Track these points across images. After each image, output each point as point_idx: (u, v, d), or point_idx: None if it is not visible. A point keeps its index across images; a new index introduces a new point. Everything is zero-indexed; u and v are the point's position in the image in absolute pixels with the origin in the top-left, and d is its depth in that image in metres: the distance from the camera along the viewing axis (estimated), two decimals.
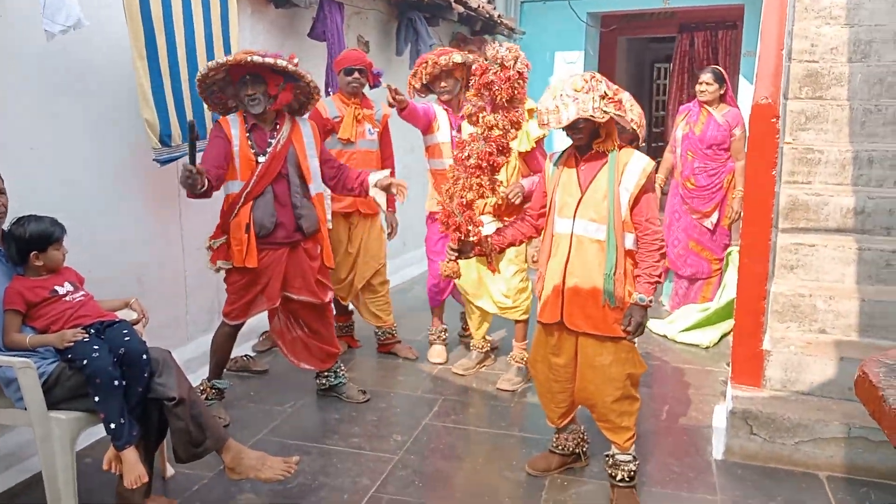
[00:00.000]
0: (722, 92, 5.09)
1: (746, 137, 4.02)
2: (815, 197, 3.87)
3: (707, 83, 5.06)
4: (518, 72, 2.78)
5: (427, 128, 4.22)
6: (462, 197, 2.89)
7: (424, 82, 4.13)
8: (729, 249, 5.26)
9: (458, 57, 4.03)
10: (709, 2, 8.32)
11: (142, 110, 3.48)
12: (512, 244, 3.13)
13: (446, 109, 4.26)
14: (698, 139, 5.10)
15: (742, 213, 4.20)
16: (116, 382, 2.55)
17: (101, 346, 2.58)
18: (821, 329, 3.56)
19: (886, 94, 4.32)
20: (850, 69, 4.40)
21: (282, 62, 3.27)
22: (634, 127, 2.69)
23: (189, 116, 3.70)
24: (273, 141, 3.44)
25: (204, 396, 3.58)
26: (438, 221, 3.03)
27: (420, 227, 4.72)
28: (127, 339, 2.66)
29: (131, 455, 2.59)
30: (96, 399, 2.53)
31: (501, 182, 3.28)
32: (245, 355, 4.35)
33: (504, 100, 2.79)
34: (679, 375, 4.36)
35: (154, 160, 3.58)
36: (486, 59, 2.80)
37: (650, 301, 2.79)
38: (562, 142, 7.79)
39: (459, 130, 4.25)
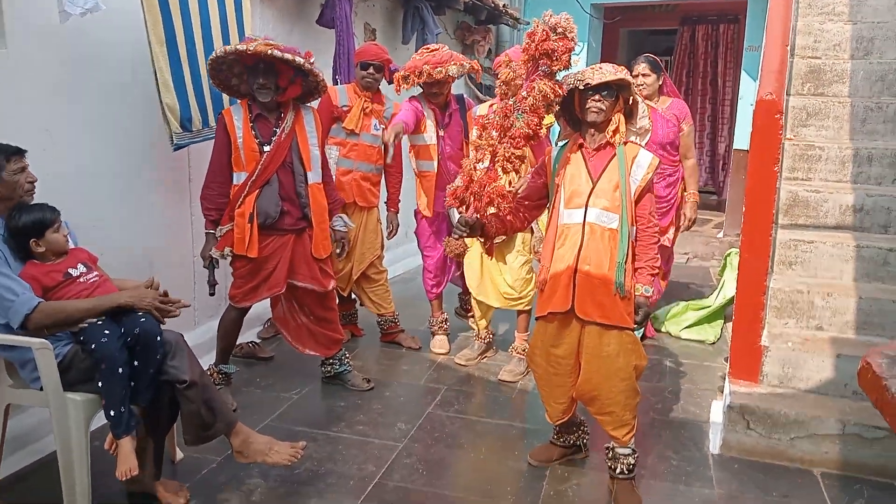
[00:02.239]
0: (660, 83, 4.50)
1: (695, 131, 4.16)
2: (815, 194, 3.92)
3: (644, 74, 4.37)
4: (575, 44, 2.76)
5: (416, 128, 4.20)
6: (502, 167, 2.81)
7: (413, 86, 4.12)
8: (728, 251, 5.32)
9: (454, 70, 4.03)
10: None
11: (162, 95, 3.52)
12: (504, 234, 3.14)
13: (432, 108, 4.26)
14: (650, 140, 4.28)
15: (695, 220, 4.64)
16: (121, 370, 2.58)
17: (112, 330, 2.62)
18: (818, 326, 3.62)
19: (887, 91, 4.36)
20: (851, 66, 4.45)
21: (300, 60, 3.30)
22: (646, 124, 2.73)
23: (207, 101, 3.74)
24: (278, 130, 3.47)
25: (212, 381, 3.63)
26: (452, 195, 2.93)
27: None
28: (142, 319, 2.70)
29: (127, 445, 2.63)
30: (99, 384, 2.59)
31: (526, 158, 3.21)
32: (251, 342, 4.40)
33: (559, 70, 2.76)
34: (677, 370, 4.43)
35: (175, 145, 3.63)
36: (545, 25, 2.73)
37: (653, 292, 2.86)
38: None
39: (446, 129, 4.27)
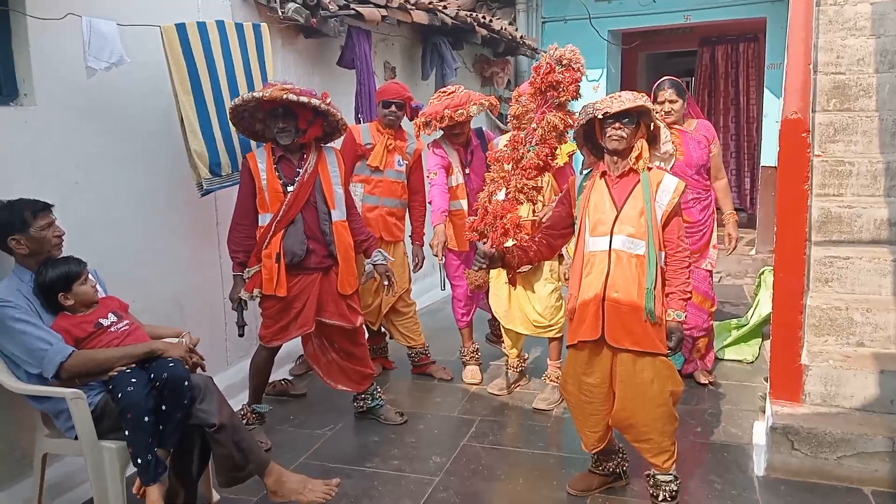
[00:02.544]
0: (686, 106, 4.32)
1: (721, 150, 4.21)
2: (848, 209, 3.86)
3: (671, 101, 4.14)
4: (582, 74, 2.80)
5: (447, 173, 4.30)
6: (515, 199, 2.84)
7: (436, 129, 4.19)
8: (761, 269, 5.23)
9: (474, 109, 4.09)
10: (730, 15, 8.31)
11: (190, 142, 3.60)
12: (529, 263, 3.14)
13: (456, 149, 4.34)
14: (684, 164, 4.15)
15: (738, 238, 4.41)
16: (147, 418, 2.60)
17: (139, 378, 2.65)
18: (859, 342, 3.53)
19: None
20: (877, 80, 4.39)
21: (315, 101, 3.35)
22: (670, 149, 2.72)
23: (236, 145, 3.82)
24: (301, 170, 3.52)
25: (245, 421, 3.64)
26: (470, 229, 2.97)
27: None
28: (171, 364, 2.72)
29: (154, 493, 2.64)
30: (126, 433, 2.60)
31: (542, 189, 3.25)
32: (283, 379, 4.41)
33: (567, 101, 2.79)
34: (716, 391, 4.34)
35: (205, 190, 3.70)
36: (550, 58, 2.79)
37: (685, 317, 2.82)
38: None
39: (470, 165, 4.32)
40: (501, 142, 4.12)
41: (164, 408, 2.67)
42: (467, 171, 4.38)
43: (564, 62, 2.75)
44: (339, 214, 3.66)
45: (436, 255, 4.10)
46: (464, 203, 4.37)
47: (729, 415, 3.97)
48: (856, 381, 3.35)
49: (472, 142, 4.43)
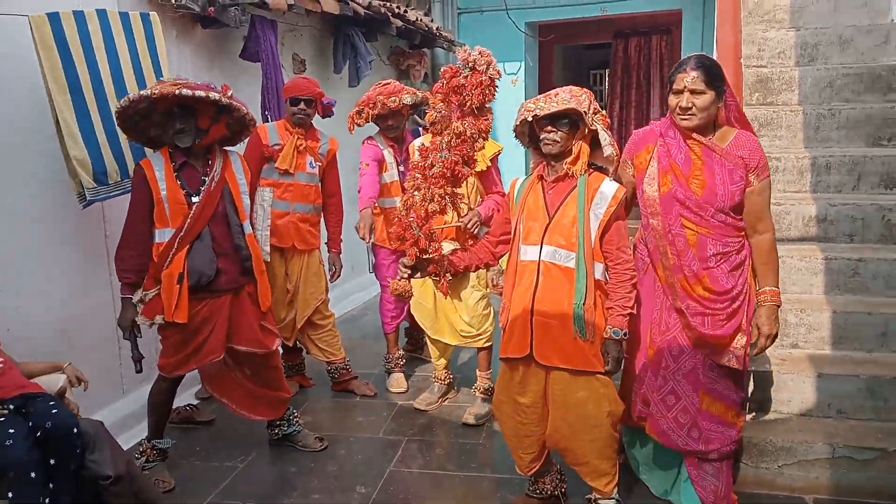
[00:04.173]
0: (721, 104, 2.65)
1: (770, 186, 2.68)
2: (776, 206, 3.75)
3: (694, 90, 2.55)
4: (490, 77, 2.57)
5: (380, 168, 4.11)
6: (423, 209, 2.65)
7: (369, 121, 4.07)
8: None
9: (408, 98, 3.98)
10: (647, 7, 8.29)
11: (69, 147, 3.16)
12: (468, 269, 2.94)
13: (391, 146, 4.16)
14: (702, 200, 2.63)
15: (775, 336, 2.75)
16: (33, 474, 2.22)
17: (17, 428, 2.25)
18: (793, 344, 3.46)
19: (837, 97, 4.27)
20: (799, 73, 4.35)
21: (214, 95, 2.98)
22: (612, 151, 2.52)
23: (125, 149, 3.38)
24: (206, 179, 3.14)
25: (144, 458, 3.25)
26: (391, 237, 2.81)
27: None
28: (54, 411, 2.34)
29: None
30: (10, 495, 2.21)
31: (463, 196, 3.05)
32: (188, 405, 4.01)
33: (474, 106, 2.58)
34: None
35: (88, 200, 3.26)
36: (460, 60, 2.60)
37: (624, 334, 2.63)
38: (515, 161, 7.66)
39: (405, 164, 4.11)
40: (416, 145, 3.91)
41: (52, 462, 2.28)
42: (401, 168, 4.14)
43: (470, 64, 2.54)
44: (248, 227, 3.31)
45: (362, 239, 3.83)
46: (398, 201, 4.09)
47: None
48: (793, 385, 3.27)
49: (406, 140, 4.22)
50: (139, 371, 3.16)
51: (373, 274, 4.47)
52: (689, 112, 2.57)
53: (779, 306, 2.73)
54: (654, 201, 2.70)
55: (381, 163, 4.10)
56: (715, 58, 3.73)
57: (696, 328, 2.67)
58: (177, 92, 2.91)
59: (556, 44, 10.14)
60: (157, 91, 2.92)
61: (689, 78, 2.55)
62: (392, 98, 3.93)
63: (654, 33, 10.49)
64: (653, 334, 2.81)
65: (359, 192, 4.09)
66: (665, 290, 2.76)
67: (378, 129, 4.19)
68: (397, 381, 4.38)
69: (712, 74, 2.56)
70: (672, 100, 2.63)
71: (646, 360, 2.85)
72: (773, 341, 2.74)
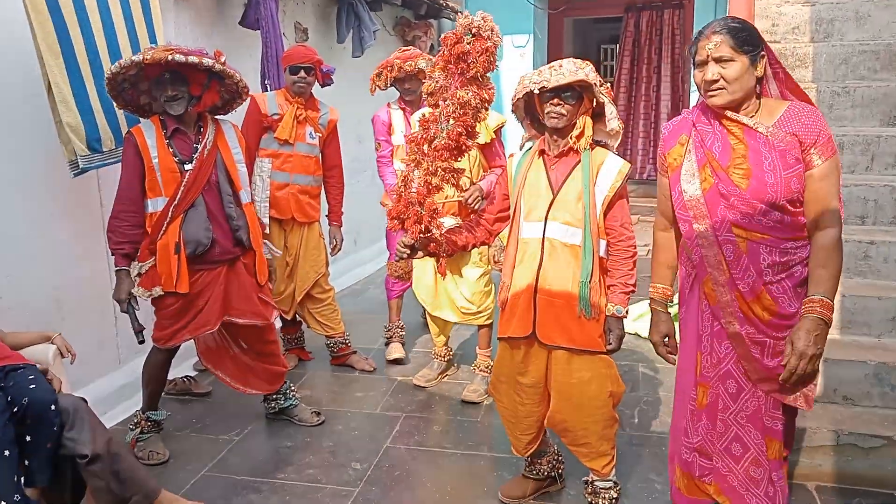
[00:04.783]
0: (759, 74, 2.15)
1: (839, 168, 2.18)
2: None
3: (719, 59, 2.11)
4: (494, 44, 2.48)
5: (389, 133, 4.12)
6: (427, 183, 2.55)
7: (389, 84, 4.04)
8: None
9: (422, 63, 3.93)
10: None
11: (61, 114, 3.08)
12: (464, 248, 2.83)
13: (403, 109, 4.10)
14: (749, 195, 2.14)
15: (814, 357, 2.10)
16: (8, 452, 2.16)
17: None
18: None
19: (852, 74, 4.15)
20: (813, 49, 4.23)
21: (208, 61, 2.90)
22: (617, 124, 2.43)
23: (120, 116, 3.31)
24: (199, 146, 3.07)
25: (139, 430, 3.22)
26: (389, 217, 2.71)
27: (373, 223, 4.44)
28: (32, 386, 2.28)
29: None
30: None
31: (464, 171, 2.97)
32: (185, 376, 3.98)
33: (479, 73, 2.49)
34: (652, 377, 4.14)
35: (81, 168, 3.18)
36: (460, 27, 2.50)
37: (626, 312, 2.57)
38: (518, 135, 7.55)
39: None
40: (415, 117, 3.83)
41: (28, 438, 2.23)
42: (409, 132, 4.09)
43: (473, 31, 2.44)
44: (247, 196, 3.25)
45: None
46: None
47: (667, 402, 3.77)
48: None
49: (422, 105, 4.11)
50: (142, 342, 3.10)
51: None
52: (717, 86, 2.11)
53: (828, 324, 2.11)
54: (698, 201, 2.20)
55: (388, 127, 4.10)
56: None
57: (757, 360, 2.20)
58: (169, 57, 2.83)
59: (566, 16, 9.96)
60: (149, 56, 2.84)
61: (712, 44, 2.10)
62: (409, 62, 3.92)
63: (667, 7, 10.26)
64: (703, 368, 2.31)
65: (381, 179, 4.16)
66: (715, 313, 2.25)
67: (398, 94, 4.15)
68: (395, 349, 4.38)
69: (740, 37, 2.09)
70: (697, 75, 2.18)
71: (696, 402, 2.35)
72: (812, 365, 2.10)
